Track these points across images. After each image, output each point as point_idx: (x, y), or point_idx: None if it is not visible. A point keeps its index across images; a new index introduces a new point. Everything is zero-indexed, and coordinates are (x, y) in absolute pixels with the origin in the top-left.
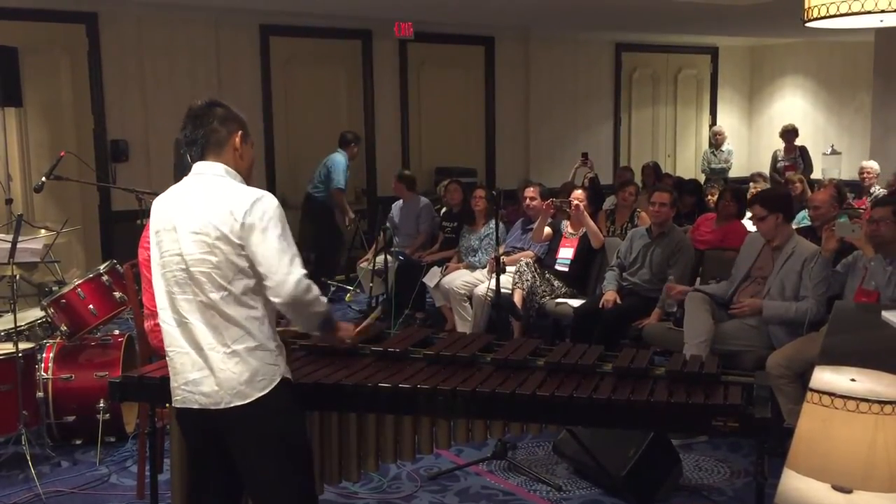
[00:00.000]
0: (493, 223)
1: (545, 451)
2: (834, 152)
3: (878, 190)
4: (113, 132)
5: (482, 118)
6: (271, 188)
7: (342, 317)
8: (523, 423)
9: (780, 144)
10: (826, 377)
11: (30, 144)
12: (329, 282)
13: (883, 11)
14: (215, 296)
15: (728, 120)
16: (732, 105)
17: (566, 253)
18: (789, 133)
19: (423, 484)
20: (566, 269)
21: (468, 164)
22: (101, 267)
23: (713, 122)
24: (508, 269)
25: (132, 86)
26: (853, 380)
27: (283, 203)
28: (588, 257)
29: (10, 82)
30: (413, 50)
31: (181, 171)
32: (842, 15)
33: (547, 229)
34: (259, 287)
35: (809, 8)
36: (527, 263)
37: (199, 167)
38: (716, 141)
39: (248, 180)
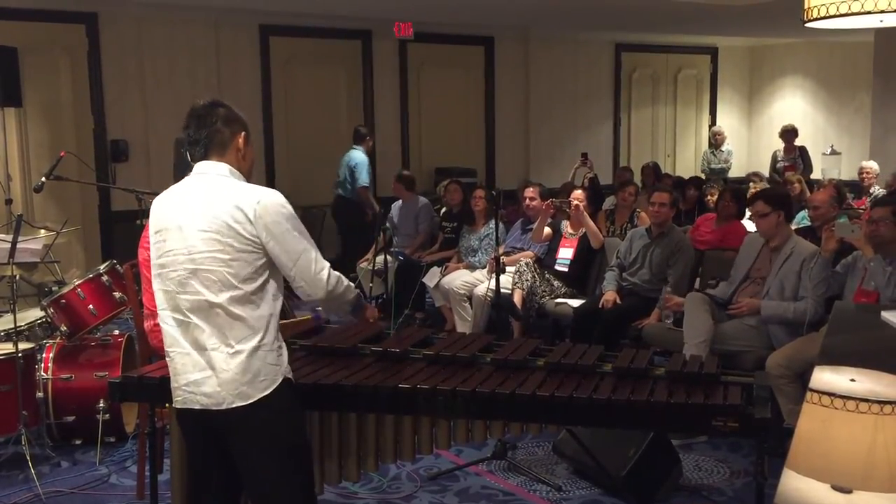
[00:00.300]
0: (492, 223)
1: (545, 451)
2: (833, 152)
3: (878, 190)
4: (113, 132)
5: (482, 118)
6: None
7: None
8: (523, 424)
9: (780, 144)
10: (826, 377)
11: (29, 144)
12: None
13: (883, 12)
14: (224, 295)
15: (728, 120)
16: (732, 105)
17: (566, 253)
18: (789, 133)
19: (423, 484)
20: (566, 270)
21: (468, 165)
22: (101, 267)
23: (713, 123)
24: (508, 269)
25: (132, 86)
26: (853, 380)
27: None
28: (588, 257)
29: (9, 82)
30: (413, 50)
31: (181, 170)
32: (841, 15)
33: (547, 229)
34: (269, 287)
35: (809, 8)
36: (526, 263)
37: (202, 167)
38: (715, 141)
39: (249, 180)
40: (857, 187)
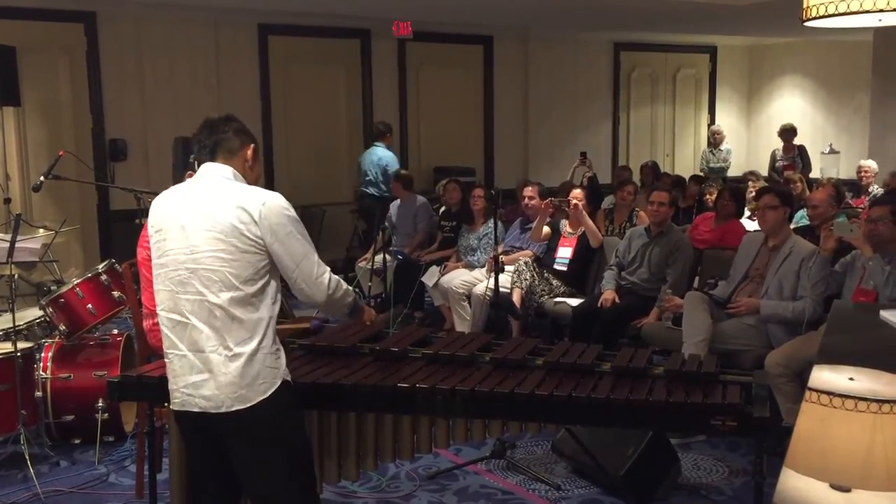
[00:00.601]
0: (491, 222)
1: (544, 450)
2: (832, 151)
3: (877, 189)
4: (111, 131)
5: (481, 117)
6: (270, 187)
7: None
8: (522, 423)
9: (779, 144)
10: (825, 376)
11: (28, 144)
12: None
13: (881, 11)
14: (225, 295)
15: (726, 119)
16: (731, 104)
17: (565, 252)
18: (788, 132)
19: (422, 483)
20: (565, 269)
21: (467, 164)
22: (100, 266)
23: (712, 122)
24: (507, 268)
25: (131, 85)
26: (852, 379)
27: None
28: (587, 256)
29: (8, 82)
30: (412, 49)
31: (181, 170)
32: (840, 14)
33: (546, 228)
34: (268, 290)
35: (808, 7)
36: (525, 263)
37: (206, 168)
38: (714, 140)
39: None
40: (856, 186)
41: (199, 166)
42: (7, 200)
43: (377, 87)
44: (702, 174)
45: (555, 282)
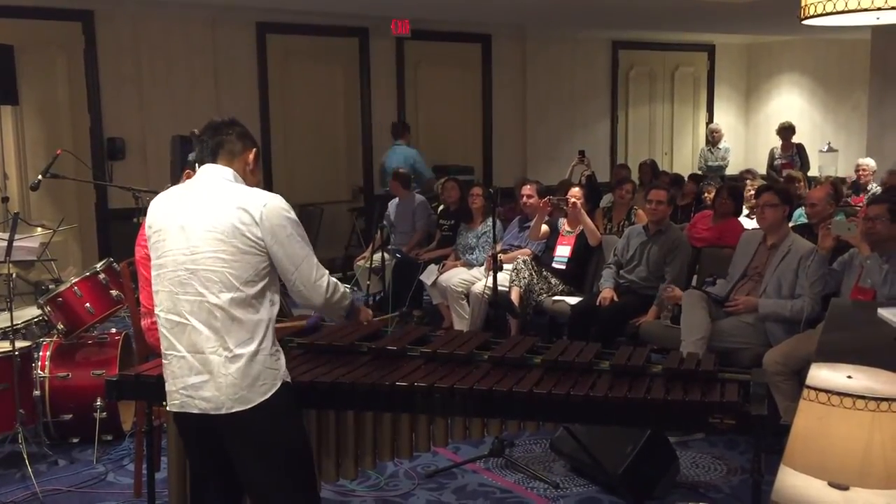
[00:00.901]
0: (490, 221)
1: (542, 448)
2: (830, 150)
3: (875, 187)
4: (109, 130)
5: (479, 116)
6: (268, 186)
7: None
8: (520, 421)
9: (777, 142)
10: (823, 374)
11: (26, 142)
12: None
13: (879, 9)
14: (225, 296)
15: (725, 117)
16: (729, 103)
17: (563, 251)
18: (786, 131)
19: (421, 481)
20: (563, 267)
21: (465, 162)
22: (98, 265)
23: (710, 120)
24: (505, 266)
25: (129, 84)
26: (850, 377)
27: None
28: (585, 255)
29: (6, 80)
30: (410, 48)
31: (179, 169)
32: (838, 12)
33: (544, 227)
34: (268, 291)
35: (806, 5)
36: (524, 261)
37: (206, 170)
38: (713, 138)
39: None
40: (854, 184)
41: (199, 166)
42: (5, 199)
43: (375, 85)
44: (700, 172)
45: (553, 280)
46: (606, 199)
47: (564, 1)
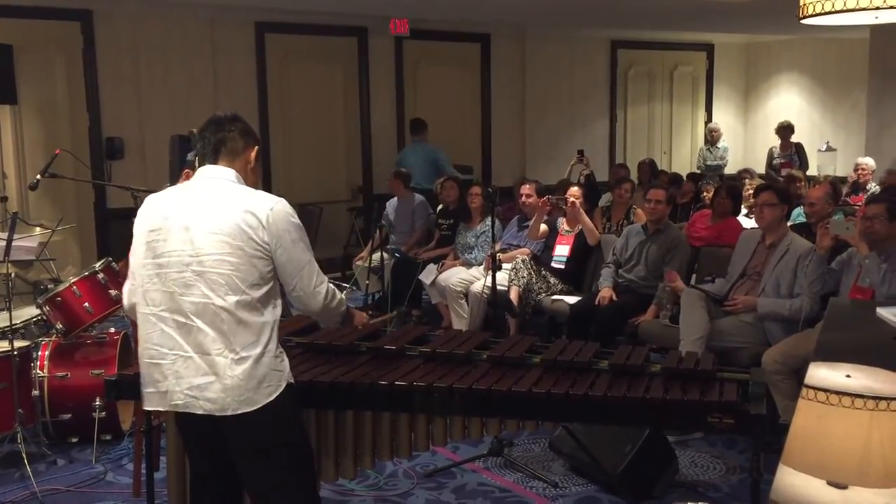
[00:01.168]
0: (489, 220)
1: (541, 447)
2: (829, 149)
3: (874, 187)
4: (108, 129)
5: (478, 115)
6: (266, 185)
7: None
8: (519, 420)
9: (776, 141)
10: (821, 373)
11: (25, 142)
12: None
13: (878, 8)
14: (232, 299)
15: (724, 117)
16: (728, 102)
17: (562, 250)
18: (785, 130)
19: (420, 481)
20: (562, 267)
21: (464, 162)
22: (97, 265)
23: (709, 119)
24: (504, 266)
25: (127, 83)
26: (848, 376)
27: None
28: (584, 254)
29: (4, 80)
30: (409, 47)
31: (178, 169)
32: (837, 12)
33: (543, 226)
34: (272, 294)
35: (805, 5)
36: (523, 260)
37: (209, 171)
38: (711, 138)
39: None
40: (854, 184)
41: (199, 164)
42: (4, 199)
43: (374, 84)
44: (699, 172)
45: (552, 280)
46: (605, 199)
47: (563, 0)
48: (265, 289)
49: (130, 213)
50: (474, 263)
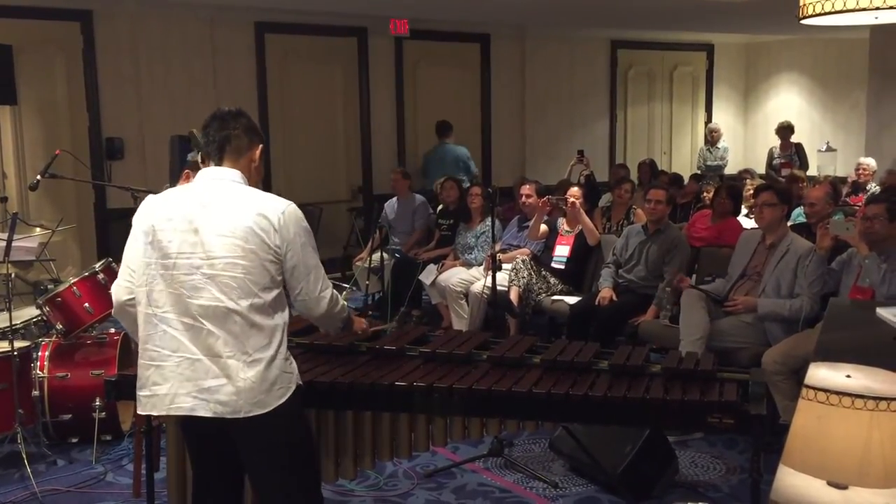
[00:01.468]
0: (489, 221)
1: (541, 448)
2: (829, 149)
3: (874, 187)
4: (108, 130)
5: (478, 116)
6: (267, 185)
7: None
8: (519, 421)
9: (776, 141)
10: (821, 374)
11: (24, 142)
12: None
13: (878, 9)
14: (244, 302)
15: (724, 117)
16: (728, 102)
17: (562, 250)
18: (785, 130)
19: (420, 481)
20: (562, 267)
21: None
22: (97, 265)
23: (709, 119)
24: (504, 266)
25: (127, 83)
26: (848, 376)
27: None
28: (584, 254)
29: (4, 80)
30: (409, 47)
31: (178, 169)
32: (837, 12)
33: (543, 227)
34: (283, 297)
35: (804, 5)
36: (523, 261)
37: (215, 172)
38: (711, 138)
39: None
40: (854, 184)
41: (203, 162)
42: (4, 199)
43: (374, 85)
44: (699, 172)
45: (552, 280)
46: (605, 199)
47: (563, 0)
48: (276, 292)
49: (130, 214)
50: (474, 264)
